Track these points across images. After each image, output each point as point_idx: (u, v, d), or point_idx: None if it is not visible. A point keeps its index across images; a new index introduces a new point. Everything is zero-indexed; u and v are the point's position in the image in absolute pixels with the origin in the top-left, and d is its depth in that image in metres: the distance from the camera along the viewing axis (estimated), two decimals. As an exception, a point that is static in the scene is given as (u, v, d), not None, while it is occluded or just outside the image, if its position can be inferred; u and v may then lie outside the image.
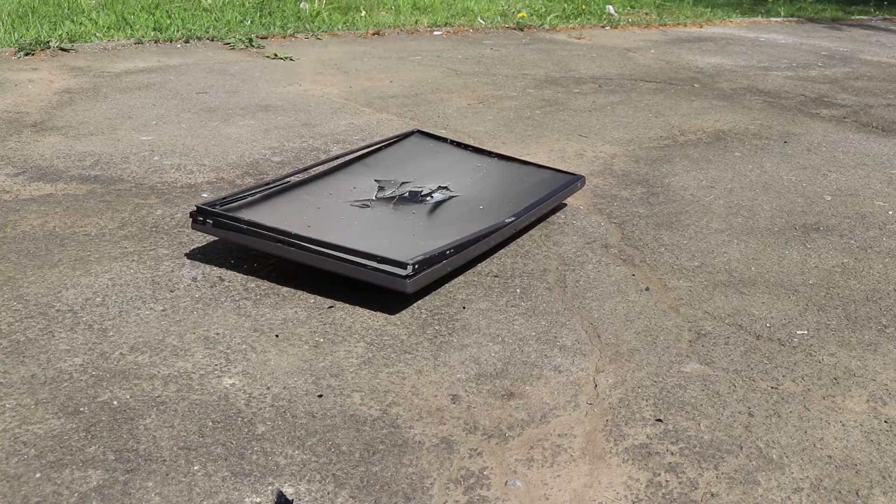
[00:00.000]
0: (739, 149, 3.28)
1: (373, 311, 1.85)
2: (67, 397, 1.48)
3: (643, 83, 4.45)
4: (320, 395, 1.53)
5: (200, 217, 1.99)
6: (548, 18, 6.37)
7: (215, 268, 2.02)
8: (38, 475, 1.29)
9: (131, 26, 4.99)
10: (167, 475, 1.30)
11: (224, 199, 2.09)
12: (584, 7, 7.11)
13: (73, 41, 4.53)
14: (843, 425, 1.53)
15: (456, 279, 2.02)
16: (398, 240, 2.06)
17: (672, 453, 1.42)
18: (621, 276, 2.10)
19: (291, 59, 4.53)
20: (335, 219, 2.16)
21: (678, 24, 6.83)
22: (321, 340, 1.72)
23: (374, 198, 2.32)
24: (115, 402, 1.48)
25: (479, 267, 2.10)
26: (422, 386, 1.58)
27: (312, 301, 1.88)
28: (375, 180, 2.44)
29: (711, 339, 1.82)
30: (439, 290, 1.97)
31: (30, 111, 3.28)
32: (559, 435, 1.46)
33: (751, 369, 1.70)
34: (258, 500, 1.26)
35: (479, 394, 1.57)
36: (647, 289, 2.04)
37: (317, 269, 1.88)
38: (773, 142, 3.41)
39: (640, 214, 2.53)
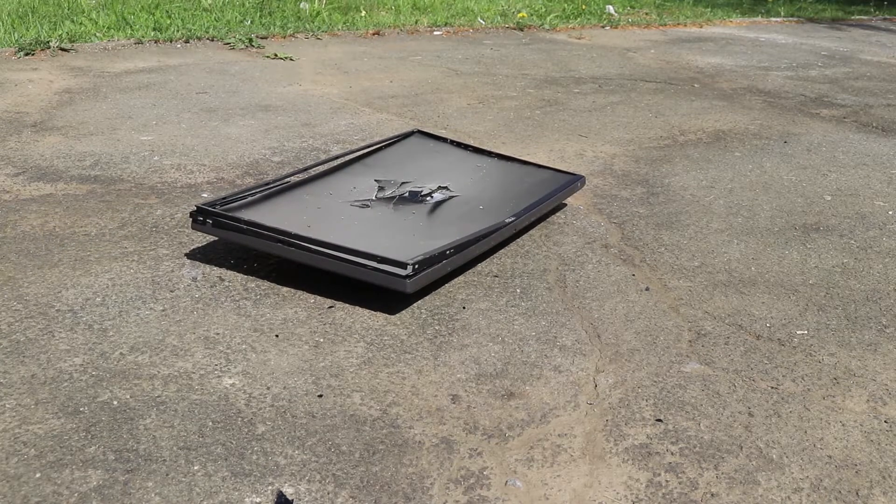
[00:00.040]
0: (739, 149, 3.28)
1: (373, 311, 1.85)
2: (67, 397, 1.48)
3: (643, 83, 4.45)
4: (320, 395, 1.53)
5: (200, 217, 1.99)
6: (548, 18, 6.37)
7: (215, 268, 2.02)
8: (38, 475, 1.29)
9: (131, 26, 4.99)
10: (167, 475, 1.30)
11: (224, 199, 2.09)
12: (584, 7, 7.11)
13: (73, 41, 4.53)
14: (843, 425, 1.53)
15: (456, 279, 2.02)
16: (398, 240, 2.06)
17: (672, 453, 1.42)
18: (621, 276, 2.10)
19: (291, 59, 4.53)
20: (335, 219, 2.16)
21: (678, 24, 6.83)
22: (321, 340, 1.72)
23: (374, 198, 2.32)
24: (115, 402, 1.48)
25: (479, 267, 2.10)
26: (422, 386, 1.58)
27: (312, 301, 1.88)
28: (375, 180, 2.44)
29: (711, 339, 1.82)
30: (439, 290, 1.97)
31: (30, 111, 3.28)
32: (559, 435, 1.46)
33: (751, 369, 1.70)
34: (258, 500, 1.26)
35: (479, 394, 1.57)
36: (647, 289, 2.04)
37: (317, 269, 1.88)
38: (773, 142, 3.41)
39: (640, 214, 2.53)
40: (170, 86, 3.79)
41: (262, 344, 1.69)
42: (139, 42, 4.69)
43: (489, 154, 2.70)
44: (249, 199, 2.16)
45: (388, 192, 2.36)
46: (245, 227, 1.93)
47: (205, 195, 2.47)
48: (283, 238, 1.89)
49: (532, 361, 1.69)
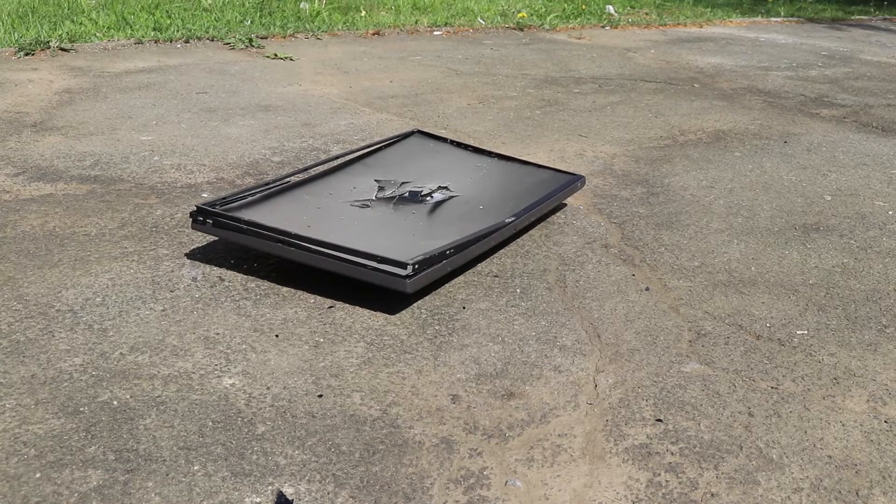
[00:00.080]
0: (739, 149, 3.28)
1: (373, 311, 1.85)
2: (67, 397, 1.48)
3: (643, 83, 4.45)
4: (320, 395, 1.53)
5: (200, 217, 1.99)
6: (548, 18, 6.37)
7: (215, 268, 2.02)
8: (38, 475, 1.29)
9: (131, 26, 4.99)
10: (167, 475, 1.30)
11: (224, 199, 2.09)
12: (584, 7, 7.11)
13: (73, 41, 4.53)
14: (843, 425, 1.53)
15: (456, 279, 2.02)
16: (398, 240, 2.06)
17: (672, 453, 1.42)
18: (621, 276, 2.10)
19: (291, 59, 4.53)
20: (335, 219, 2.16)
21: (678, 24, 6.83)
22: (321, 340, 1.72)
23: (374, 198, 2.32)
24: (115, 402, 1.48)
25: (479, 267, 2.10)
26: (422, 386, 1.58)
27: (312, 301, 1.88)
28: (375, 180, 2.44)
29: (711, 339, 1.82)
30: (439, 290, 1.97)
31: (30, 111, 3.28)
32: (559, 435, 1.46)
33: (751, 369, 1.70)
34: (258, 500, 1.26)
35: (479, 394, 1.57)
36: (647, 289, 2.04)
37: (317, 269, 1.88)
38: (773, 142, 3.41)
39: (640, 214, 2.53)
40: (170, 86, 3.79)
41: (262, 344, 1.69)
42: (139, 42, 4.69)
43: (489, 154, 2.70)
44: (249, 199, 2.16)
45: (388, 192, 2.36)
46: (245, 227, 1.93)
47: (205, 195, 2.47)
48: (283, 238, 1.89)
49: (532, 361, 1.69)
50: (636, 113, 3.77)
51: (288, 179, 2.33)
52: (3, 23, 4.72)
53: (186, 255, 2.08)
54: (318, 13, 5.83)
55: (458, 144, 2.75)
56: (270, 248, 1.92)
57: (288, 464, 1.34)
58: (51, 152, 2.79)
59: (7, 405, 1.45)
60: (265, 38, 5.05)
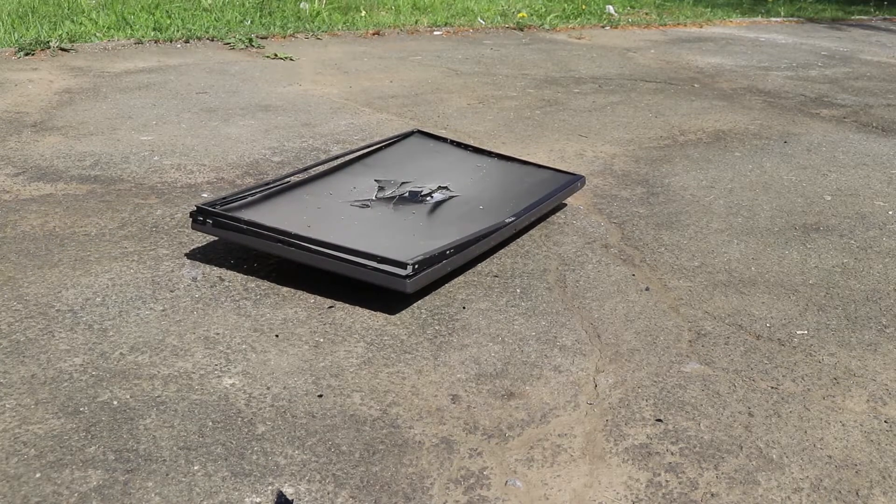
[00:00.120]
0: (739, 149, 3.28)
1: (373, 311, 1.85)
2: (67, 397, 1.48)
3: (643, 83, 4.45)
4: (320, 395, 1.53)
5: (200, 217, 1.99)
6: (548, 18, 6.37)
7: (215, 268, 2.02)
8: (38, 475, 1.29)
9: (131, 26, 4.99)
10: (167, 475, 1.30)
11: (224, 199, 2.09)
12: (584, 7, 7.11)
13: (73, 41, 4.53)
14: (843, 425, 1.53)
15: (456, 279, 2.02)
16: (398, 240, 2.06)
17: (672, 453, 1.42)
18: (621, 276, 2.10)
19: (291, 59, 4.53)
20: (335, 219, 2.16)
21: (678, 24, 6.83)
22: (321, 340, 1.72)
23: (374, 198, 2.32)
24: (115, 402, 1.48)
25: (479, 267, 2.10)
26: (422, 386, 1.58)
27: (312, 301, 1.88)
28: (375, 180, 2.44)
29: (711, 339, 1.82)
30: (439, 290, 1.97)
31: (30, 111, 3.28)
32: (559, 435, 1.46)
33: (751, 369, 1.70)
34: (258, 500, 1.26)
35: (479, 394, 1.57)
36: (647, 289, 2.04)
37: (317, 269, 1.88)
38: (773, 142, 3.41)
39: (640, 214, 2.53)
40: (170, 86, 3.79)
41: (262, 344, 1.69)
42: (139, 42, 4.69)
43: (489, 154, 2.70)
44: (249, 199, 2.16)
45: (388, 192, 2.36)
46: (245, 227, 1.93)
47: (205, 195, 2.47)
48: (283, 238, 1.89)
49: (532, 361, 1.69)
50: (636, 113, 3.77)
51: (288, 179, 2.33)
52: (3, 23, 4.72)
53: (186, 255, 2.08)
54: (318, 13, 5.83)
55: (458, 144, 2.75)
56: (270, 248, 1.92)
57: (288, 464, 1.34)
58: (51, 152, 2.79)
59: (7, 405, 1.45)
60: (265, 38, 5.05)
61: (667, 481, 1.35)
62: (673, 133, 3.47)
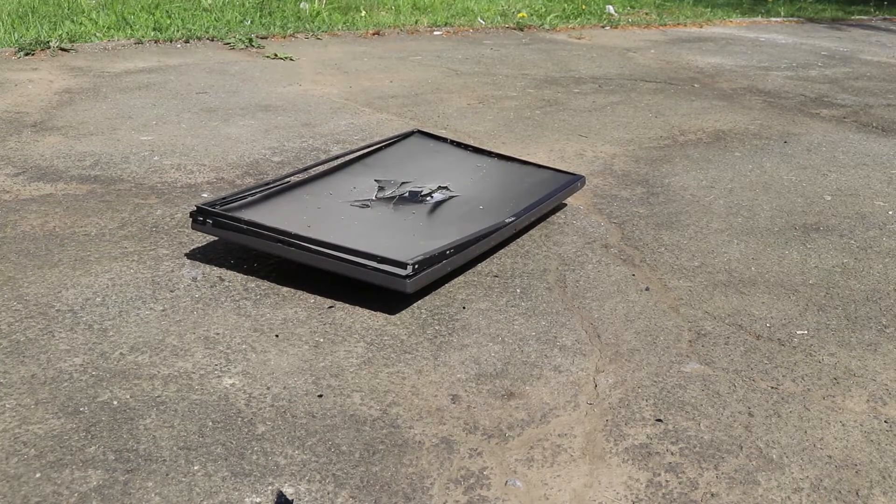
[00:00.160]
0: (739, 149, 3.28)
1: (373, 311, 1.85)
2: (67, 397, 1.48)
3: (643, 83, 4.45)
4: (320, 395, 1.53)
5: (200, 217, 1.99)
6: (548, 18, 6.37)
7: (215, 268, 2.02)
8: (38, 475, 1.29)
9: (131, 26, 4.99)
10: (167, 475, 1.30)
11: (224, 199, 2.09)
12: (584, 7, 7.11)
13: (73, 41, 4.53)
14: (843, 425, 1.53)
15: (456, 279, 2.02)
16: (398, 240, 2.06)
17: (672, 453, 1.42)
18: (621, 276, 2.10)
19: (291, 59, 4.53)
20: (335, 219, 2.16)
21: (678, 24, 6.83)
22: (321, 340, 1.72)
23: (374, 198, 2.32)
24: (115, 402, 1.48)
25: (479, 267, 2.10)
26: (422, 386, 1.58)
27: (312, 301, 1.88)
28: (375, 180, 2.44)
29: (711, 339, 1.82)
30: (439, 290, 1.97)
31: (30, 111, 3.28)
32: (559, 435, 1.46)
33: (751, 369, 1.70)
34: (258, 500, 1.26)
35: (479, 394, 1.57)
36: (647, 289, 2.04)
37: (317, 269, 1.88)
38: (773, 142, 3.41)
39: (640, 214, 2.53)
40: (170, 86, 3.79)
41: (262, 344, 1.69)
42: (139, 42, 4.69)
43: (489, 154, 2.70)
44: (249, 199, 2.16)
45: (388, 192, 2.36)
46: (245, 227, 1.93)
47: (205, 195, 2.47)
48: (283, 238, 1.89)
49: (532, 361, 1.69)
50: (636, 113, 3.77)
51: (288, 179, 2.33)
52: (3, 23, 4.72)
53: (186, 255, 2.08)
54: (318, 13, 5.83)
55: (458, 144, 2.75)
56: (270, 248, 1.92)
57: (288, 464, 1.34)
58: (51, 152, 2.79)
59: (7, 405, 1.45)
60: (265, 38, 5.05)
61: (667, 481, 1.35)
62: (673, 133, 3.47)
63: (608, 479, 1.35)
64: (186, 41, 4.81)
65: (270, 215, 2.06)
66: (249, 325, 1.76)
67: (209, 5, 5.67)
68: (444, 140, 2.77)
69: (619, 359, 1.71)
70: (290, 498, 1.27)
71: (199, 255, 2.08)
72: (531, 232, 2.33)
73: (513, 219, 2.16)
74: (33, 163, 2.68)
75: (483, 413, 1.51)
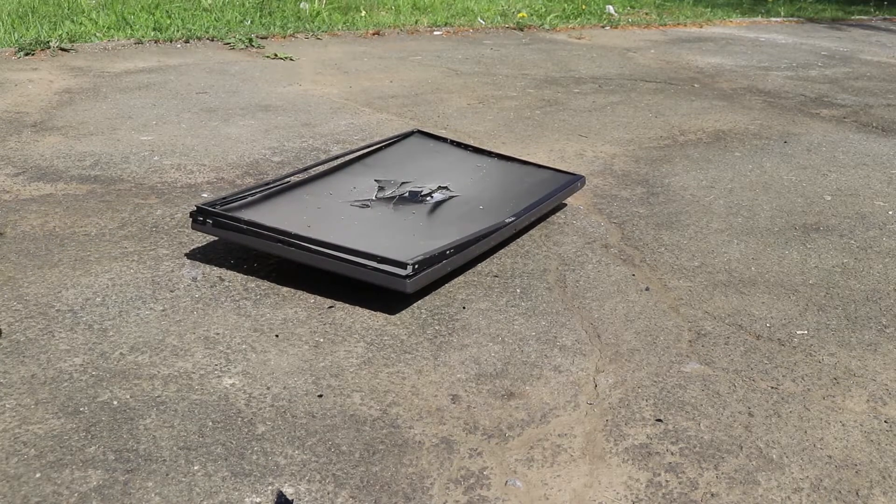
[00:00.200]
0: (739, 149, 3.28)
1: (373, 311, 1.85)
2: (67, 397, 1.48)
3: (643, 83, 4.45)
4: (320, 395, 1.53)
5: (200, 217, 1.99)
6: (548, 18, 6.37)
7: (215, 268, 2.02)
8: (38, 475, 1.29)
9: (131, 26, 4.99)
10: (167, 475, 1.30)
11: (224, 199, 2.09)
12: (584, 7, 7.11)
13: (73, 41, 4.53)
14: (843, 425, 1.53)
15: (456, 279, 2.02)
16: (398, 240, 2.06)
17: (672, 453, 1.42)
18: (621, 276, 2.10)
19: (291, 59, 4.53)
20: (335, 219, 2.16)
21: (678, 24, 6.83)
22: (321, 340, 1.72)
23: (374, 198, 2.32)
24: (115, 402, 1.48)
25: (479, 267, 2.10)
26: (422, 386, 1.58)
27: (312, 301, 1.88)
28: (375, 180, 2.44)
29: (711, 339, 1.82)
30: (439, 290, 1.97)
31: (30, 111, 3.28)
32: (559, 435, 1.46)
33: (751, 369, 1.70)
34: (258, 500, 1.26)
35: (479, 394, 1.57)
36: (647, 289, 2.04)
37: (317, 269, 1.88)
38: (773, 142, 3.41)
39: (640, 214, 2.53)
40: (170, 86, 3.79)
41: (262, 344, 1.69)
42: (139, 42, 4.69)
43: (489, 154, 2.70)
44: (249, 199, 2.16)
45: (388, 192, 2.36)
46: (245, 227, 1.93)
47: (205, 195, 2.47)
48: (283, 238, 1.89)
49: (532, 361, 1.69)
50: (636, 113, 3.77)
51: (288, 179, 2.33)
52: (3, 23, 4.72)
53: (186, 255, 2.08)
54: (318, 13, 5.83)
55: (458, 144, 2.75)
56: (270, 248, 1.92)
57: (288, 464, 1.34)
58: (51, 152, 2.79)
59: (7, 405, 1.45)
60: (265, 38, 5.05)
61: (667, 481, 1.35)
62: (673, 133, 3.47)
63: (608, 479, 1.35)
64: (186, 41, 4.81)
65: (270, 215, 2.06)
66: (249, 325, 1.76)
67: (209, 5, 5.67)
68: (444, 140, 2.77)
69: (619, 359, 1.71)
70: (290, 498, 1.27)
71: (199, 255, 2.08)
72: (531, 232, 2.33)
73: (513, 219, 2.16)
74: (33, 163, 2.68)
75: (483, 413, 1.51)
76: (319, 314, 1.83)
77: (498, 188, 2.46)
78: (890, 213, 2.66)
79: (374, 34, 5.48)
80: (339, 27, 5.53)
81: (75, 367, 1.57)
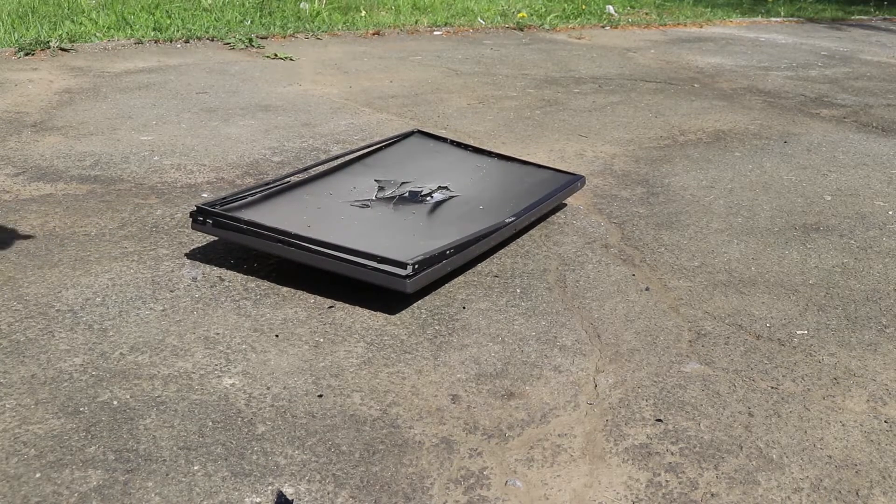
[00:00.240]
0: (739, 149, 3.28)
1: (373, 311, 1.85)
2: (67, 397, 1.48)
3: (643, 83, 4.45)
4: (320, 395, 1.53)
5: (200, 217, 1.99)
6: (548, 18, 6.37)
7: (215, 268, 2.02)
8: (38, 475, 1.29)
9: (131, 26, 4.99)
10: (167, 475, 1.30)
11: (224, 199, 2.09)
12: (584, 7, 7.11)
13: (73, 41, 4.53)
14: (843, 425, 1.53)
15: (456, 279, 2.02)
16: (398, 240, 2.06)
17: (672, 453, 1.42)
18: (621, 276, 2.10)
19: (291, 59, 4.53)
20: (335, 219, 2.16)
21: (678, 24, 6.83)
22: (321, 340, 1.72)
23: (374, 198, 2.32)
24: (115, 402, 1.48)
25: (479, 267, 2.10)
26: (422, 386, 1.58)
27: (312, 301, 1.88)
28: (375, 180, 2.44)
29: (711, 339, 1.82)
30: (439, 290, 1.97)
31: (30, 111, 3.28)
32: (559, 435, 1.46)
33: (751, 369, 1.70)
34: (258, 500, 1.26)
35: (479, 394, 1.57)
36: (647, 289, 2.04)
37: (317, 269, 1.88)
38: (773, 142, 3.41)
39: (640, 214, 2.53)
40: (170, 86, 3.79)
41: (262, 344, 1.69)
42: (139, 42, 4.69)
43: (489, 154, 2.70)
44: (249, 199, 2.16)
45: (388, 192, 2.36)
46: (245, 227, 1.93)
47: (205, 195, 2.47)
48: (283, 238, 1.89)
49: (532, 361, 1.69)
50: (636, 113, 3.77)
51: (288, 179, 2.33)
52: (3, 23, 4.72)
53: (186, 255, 2.08)
54: (318, 13, 5.83)
55: (458, 144, 2.75)
56: (270, 248, 1.92)
57: (288, 464, 1.34)
58: (51, 152, 2.79)
59: (7, 405, 1.45)
60: (265, 38, 5.05)
61: (667, 481, 1.35)
62: (673, 133, 3.47)
63: (608, 479, 1.35)
64: (186, 41, 4.81)
65: (270, 215, 2.06)
66: (249, 325, 1.76)
67: (209, 5, 5.67)
68: (444, 140, 2.77)
69: (619, 359, 1.71)
70: (290, 498, 1.27)
71: (199, 255, 2.08)
72: (531, 232, 2.33)
73: (513, 219, 2.16)
74: (33, 163, 2.68)
75: (483, 413, 1.51)
76: (319, 314, 1.83)
77: (498, 188, 2.46)
78: (890, 213, 2.66)
79: (374, 34, 5.48)
80: (339, 27, 5.53)
81: (75, 367, 1.57)
